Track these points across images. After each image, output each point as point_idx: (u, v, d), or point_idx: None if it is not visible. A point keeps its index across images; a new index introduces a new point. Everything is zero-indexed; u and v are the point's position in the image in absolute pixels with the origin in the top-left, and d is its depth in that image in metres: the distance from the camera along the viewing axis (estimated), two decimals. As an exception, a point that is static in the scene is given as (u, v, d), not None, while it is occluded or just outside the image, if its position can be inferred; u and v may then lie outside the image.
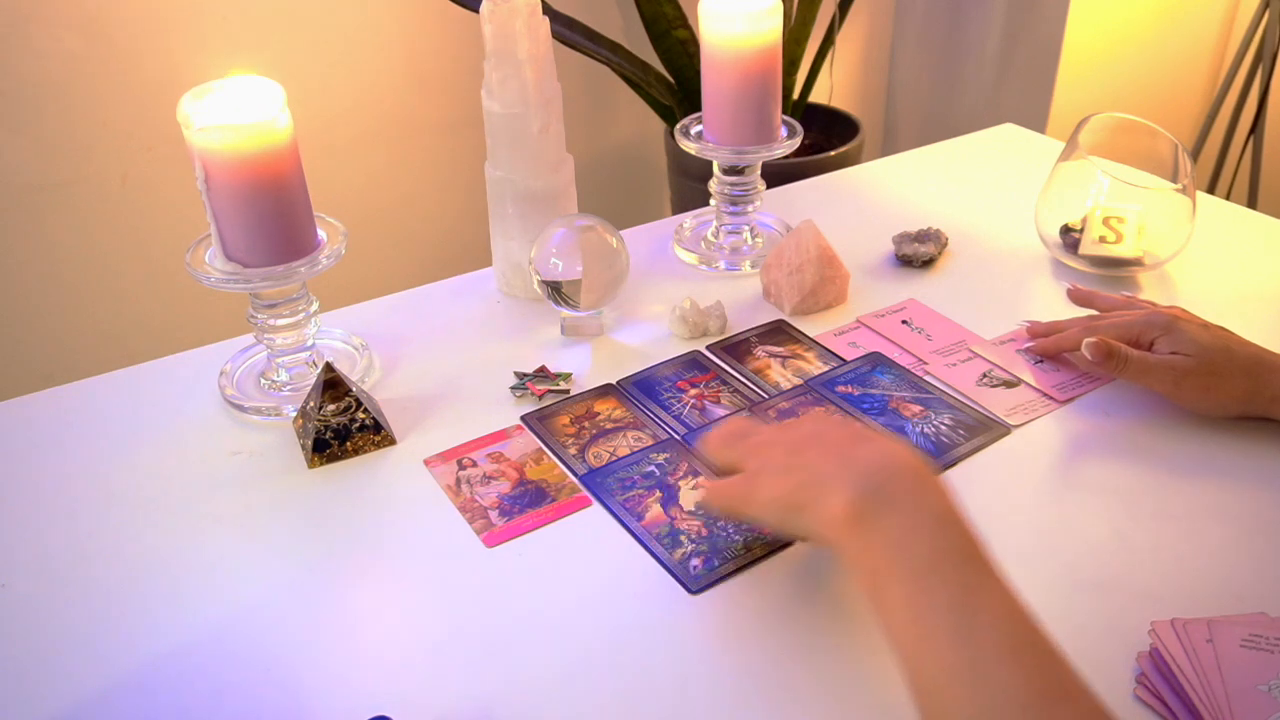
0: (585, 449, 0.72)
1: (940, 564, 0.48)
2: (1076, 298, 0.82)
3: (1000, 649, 0.45)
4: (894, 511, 0.50)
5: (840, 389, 0.77)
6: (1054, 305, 0.87)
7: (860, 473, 0.52)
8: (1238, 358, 0.69)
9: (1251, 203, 1.95)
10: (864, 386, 0.77)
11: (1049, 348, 0.78)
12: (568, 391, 0.77)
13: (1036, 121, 1.92)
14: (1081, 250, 0.90)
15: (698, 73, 0.90)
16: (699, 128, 0.92)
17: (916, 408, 0.74)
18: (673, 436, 0.73)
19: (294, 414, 0.74)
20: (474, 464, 0.70)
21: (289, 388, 0.78)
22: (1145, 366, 0.71)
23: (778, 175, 1.08)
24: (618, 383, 0.79)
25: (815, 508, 0.53)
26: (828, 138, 1.87)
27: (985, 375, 0.78)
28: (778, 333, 0.84)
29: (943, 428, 0.72)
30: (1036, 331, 0.80)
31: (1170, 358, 0.70)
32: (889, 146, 2.30)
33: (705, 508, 0.64)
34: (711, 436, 0.63)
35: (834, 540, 0.52)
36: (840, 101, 2.14)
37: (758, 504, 0.57)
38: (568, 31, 1.63)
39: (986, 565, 0.48)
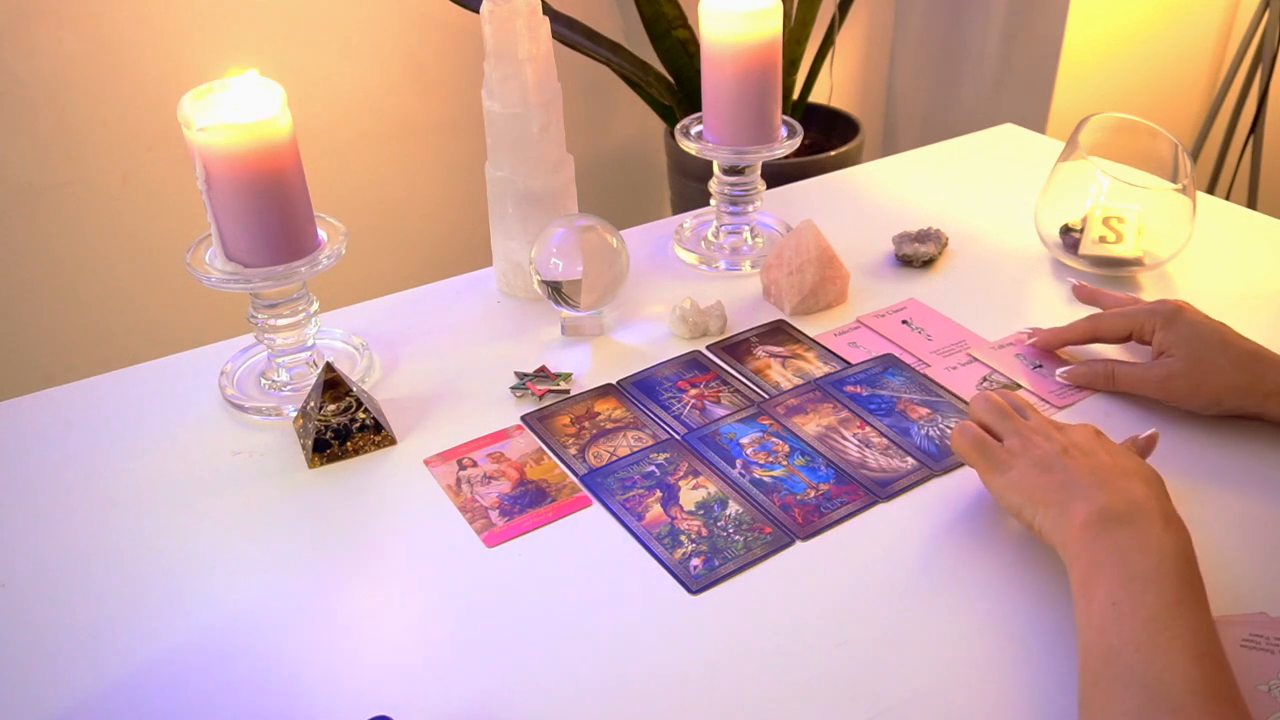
0: (585, 449, 0.72)
1: (1157, 580, 0.51)
2: (1082, 295, 0.82)
3: (1189, 648, 0.47)
4: (1130, 532, 0.53)
5: (849, 389, 0.77)
6: (1054, 305, 0.87)
7: (1113, 498, 0.55)
8: (1230, 351, 0.69)
9: (1251, 203, 1.95)
10: (873, 387, 0.77)
11: (1050, 340, 0.78)
12: (568, 391, 0.77)
13: (1036, 121, 1.92)
14: (1081, 250, 0.90)
15: (698, 73, 0.90)
16: (699, 128, 0.92)
17: (924, 410, 0.74)
18: (673, 436, 0.73)
19: (294, 414, 0.74)
20: (474, 464, 0.70)
21: (289, 388, 0.78)
22: (1134, 378, 0.72)
23: (778, 175, 1.08)
24: (618, 383, 0.79)
25: (1058, 509, 0.57)
26: (828, 138, 1.87)
27: (985, 379, 0.78)
28: (778, 333, 0.84)
29: (948, 430, 0.72)
30: (1082, 295, 0.81)
31: (1156, 364, 0.71)
32: (889, 146, 2.30)
33: (954, 444, 0.65)
34: (985, 397, 0.66)
35: (1064, 540, 0.56)
36: (840, 101, 2.14)
37: (1005, 481, 0.60)
38: (568, 31, 1.63)
39: (1200, 597, 0.51)
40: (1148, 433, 0.66)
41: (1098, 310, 0.80)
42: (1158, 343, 0.72)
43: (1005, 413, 0.65)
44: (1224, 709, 0.45)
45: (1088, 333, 0.76)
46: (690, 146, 0.90)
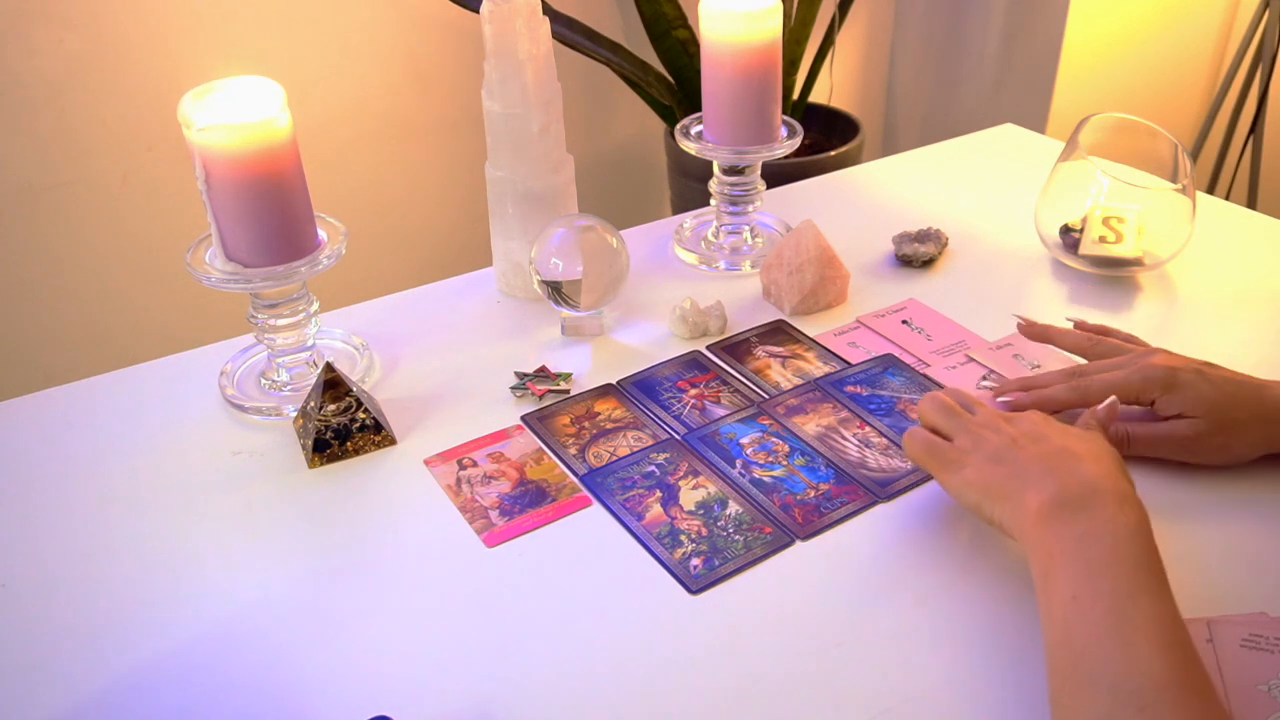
0: (585, 449, 0.72)
1: (1114, 566, 0.50)
2: (1032, 333, 0.76)
3: (1151, 639, 0.47)
4: (1085, 518, 0.53)
5: (849, 389, 0.77)
6: (1053, 306, 0.87)
7: (1065, 483, 0.55)
8: (1248, 405, 0.65)
9: (1251, 203, 1.95)
10: (873, 387, 0.77)
11: (1026, 403, 0.69)
12: (568, 391, 0.77)
13: (1036, 121, 1.92)
14: (1081, 250, 0.90)
15: (698, 73, 0.90)
16: (699, 128, 0.92)
17: (918, 408, 0.74)
18: (673, 436, 0.73)
19: (294, 414, 0.74)
20: (474, 464, 0.70)
21: (289, 388, 0.78)
22: (1153, 441, 0.66)
23: (778, 175, 1.08)
24: (618, 383, 0.79)
25: (1013, 501, 0.56)
26: (828, 138, 1.87)
27: (985, 379, 0.78)
28: (778, 333, 0.84)
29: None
30: (1032, 333, 0.76)
31: (1178, 426, 0.65)
32: (889, 146, 2.30)
33: (906, 451, 0.64)
34: (932, 398, 0.65)
35: (1022, 531, 0.55)
36: (840, 101, 2.14)
37: (960, 480, 0.60)
38: (568, 31, 1.63)
39: (1159, 578, 0.50)
40: (1106, 402, 0.64)
41: (1051, 347, 0.76)
42: (1165, 406, 0.65)
43: (952, 411, 0.64)
44: (1193, 699, 0.45)
45: (1073, 402, 0.68)
46: (690, 146, 0.90)
